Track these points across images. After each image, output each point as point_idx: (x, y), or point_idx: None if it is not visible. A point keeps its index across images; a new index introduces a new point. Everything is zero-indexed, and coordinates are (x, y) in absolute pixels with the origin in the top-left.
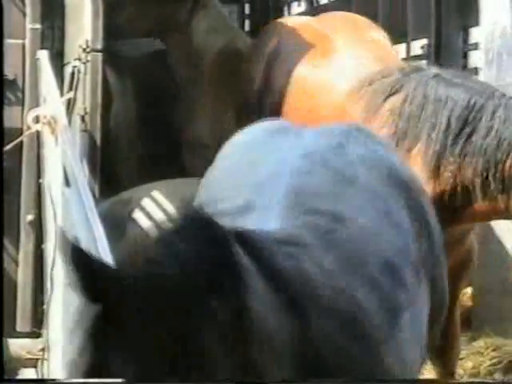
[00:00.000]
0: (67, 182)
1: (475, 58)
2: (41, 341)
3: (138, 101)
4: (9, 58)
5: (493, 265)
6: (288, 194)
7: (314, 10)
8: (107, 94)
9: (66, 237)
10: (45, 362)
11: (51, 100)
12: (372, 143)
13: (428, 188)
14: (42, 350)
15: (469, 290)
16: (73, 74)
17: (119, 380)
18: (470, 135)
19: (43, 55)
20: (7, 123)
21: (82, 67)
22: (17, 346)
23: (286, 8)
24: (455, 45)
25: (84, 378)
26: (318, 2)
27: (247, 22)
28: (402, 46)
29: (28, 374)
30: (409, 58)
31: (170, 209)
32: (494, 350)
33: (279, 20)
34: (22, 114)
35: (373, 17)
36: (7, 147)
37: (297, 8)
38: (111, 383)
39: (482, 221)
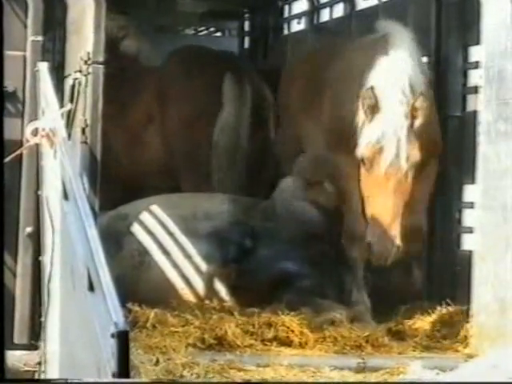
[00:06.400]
0: (66, 195)
1: (475, 77)
2: (38, 353)
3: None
4: (10, 69)
5: (490, 283)
6: None
7: (314, 27)
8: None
9: None
10: (42, 374)
11: (50, 112)
12: None
13: None
14: (39, 363)
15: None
16: (73, 86)
17: (119, 380)
18: None
19: (43, 67)
20: (7, 135)
21: (83, 79)
22: (14, 358)
23: (285, 26)
24: (455, 63)
25: None
26: (318, 20)
27: (247, 39)
28: None
29: None
30: None
31: (168, 223)
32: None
33: None
34: (22, 126)
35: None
36: (6, 159)
37: (297, 26)
38: (111, 383)
39: None
